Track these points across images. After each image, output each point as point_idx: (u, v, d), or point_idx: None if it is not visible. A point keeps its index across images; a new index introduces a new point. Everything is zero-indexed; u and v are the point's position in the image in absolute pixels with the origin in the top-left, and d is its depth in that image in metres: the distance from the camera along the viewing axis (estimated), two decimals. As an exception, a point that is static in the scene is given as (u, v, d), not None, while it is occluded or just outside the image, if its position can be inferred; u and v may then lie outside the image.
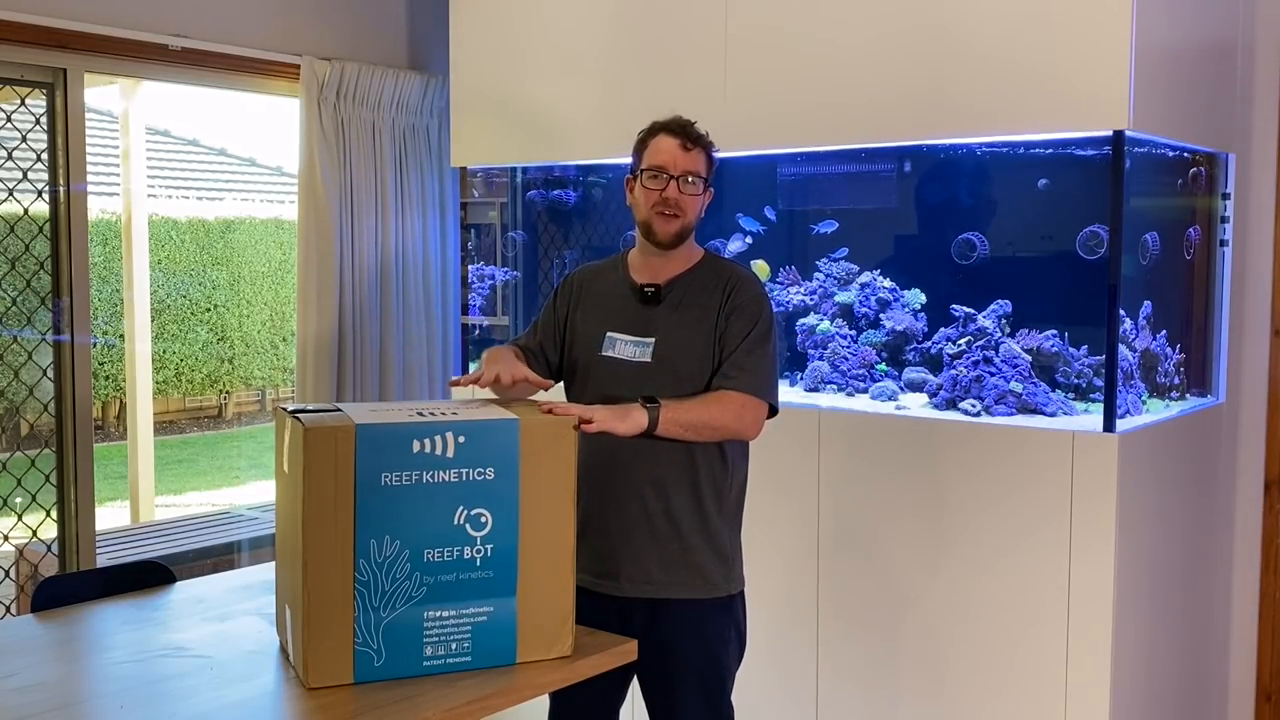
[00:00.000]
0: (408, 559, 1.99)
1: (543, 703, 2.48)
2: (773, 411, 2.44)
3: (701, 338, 2.42)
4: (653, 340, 2.44)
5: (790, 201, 3.68)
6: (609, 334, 2.49)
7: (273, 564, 2.27)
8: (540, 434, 2.09)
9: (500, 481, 2.04)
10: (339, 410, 2.05)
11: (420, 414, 2.05)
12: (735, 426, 2.37)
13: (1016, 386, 3.05)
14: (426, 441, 1.99)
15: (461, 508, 2.02)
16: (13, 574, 3.91)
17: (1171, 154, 3.21)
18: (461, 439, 2.01)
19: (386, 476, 1.97)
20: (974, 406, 3.06)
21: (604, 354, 2.48)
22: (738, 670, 2.57)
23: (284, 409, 2.09)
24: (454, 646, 2.04)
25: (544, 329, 2.61)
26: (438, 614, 2.03)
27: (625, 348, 2.46)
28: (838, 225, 3.54)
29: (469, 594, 2.04)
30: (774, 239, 3.70)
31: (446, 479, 2.00)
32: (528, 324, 2.72)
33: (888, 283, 3.46)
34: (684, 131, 2.45)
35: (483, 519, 2.04)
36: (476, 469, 2.03)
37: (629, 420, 2.25)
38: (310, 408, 2.08)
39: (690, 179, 2.42)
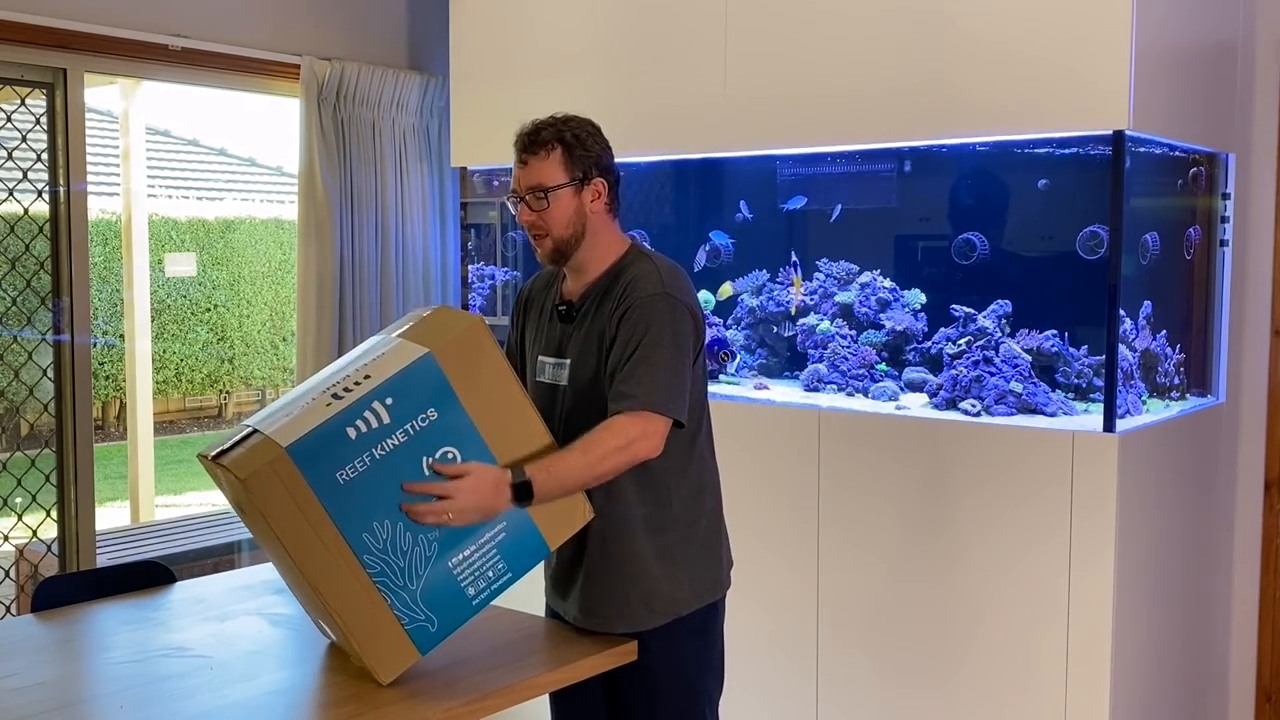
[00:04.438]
0: (404, 529, 1.96)
1: (542, 703, 2.48)
2: (679, 424, 2.18)
3: (597, 354, 2.24)
4: (568, 361, 2.29)
5: (790, 201, 3.68)
6: (539, 357, 2.37)
7: (272, 564, 2.26)
8: (458, 351, 1.99)
9: (446, 415, 1.97)
10: (255, 432, 1.97)
11: (335, 395, 1.95)
12: (625, 459, 2.11)
13: (1016, 386, 3.05)
14: (359, 423, 1.92)
15: (425, 458, 1.97)
16: (13, 574, 3.91)
17: (1171, 154, 3.21)
18: (389, 401, 1.93)
19: (341, 474, 1.91)
20: (974, 406, 3.06)
21: (537, 379, 2.36)
22: (715, 689, 2.42)
23: (207, 457, 2.01)
24: (491, 573, 2.03)
25: (509, 353, 2.49)
26: (461, 556, 2.00)
27: (549, 370, 2.33)
28: (806, 200, 3.52)
29: (477, 524, 2.01)
30: (772, 238, 3.70)
31: (396, 443, 1.94)
32: None
33: (888, 283, 3.46)
34: (518, 144, 2.28)
35: (449, 455, 1.98)
36: (418, 418, 1.95)
37: (494, 507, 2.02)
38: (227, 444, 1.99)
39: (537, 195, 2.24)
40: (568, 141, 2.25)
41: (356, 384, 1.96)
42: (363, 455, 1.92)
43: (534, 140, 2.26)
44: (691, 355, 2.26)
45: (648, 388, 2.14)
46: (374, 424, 1.92)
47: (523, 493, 2.03)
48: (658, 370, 2.16)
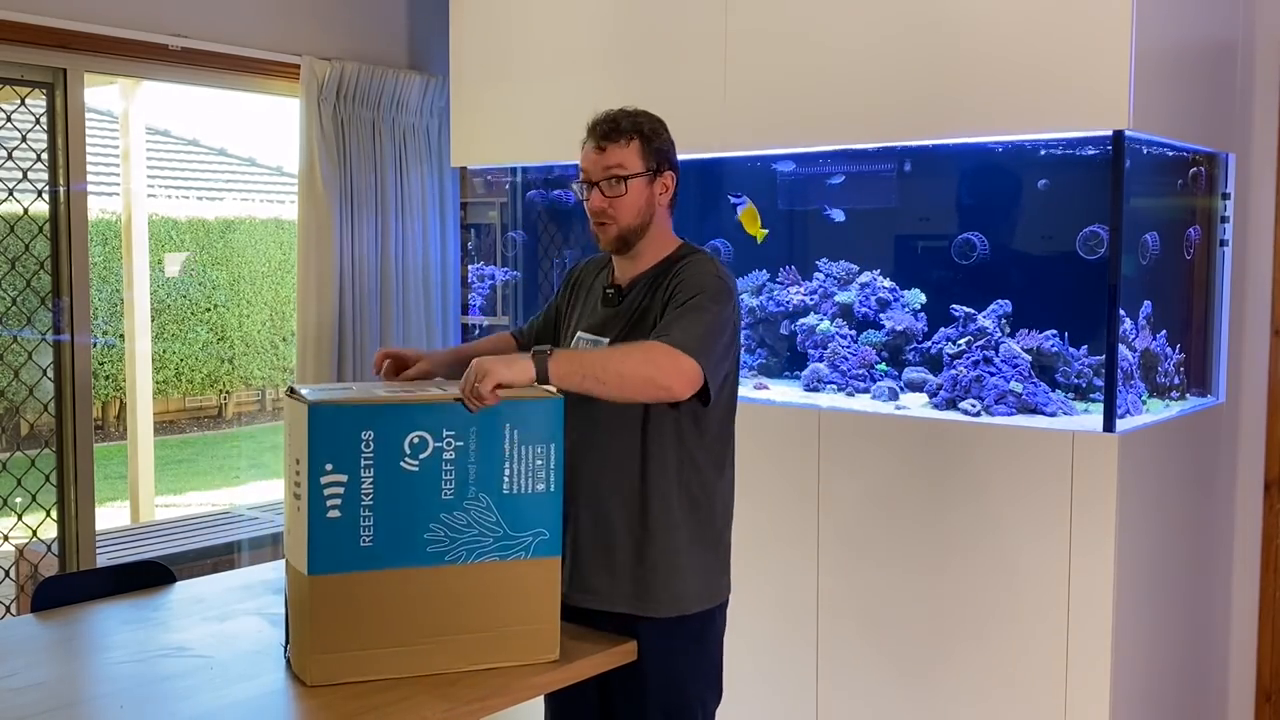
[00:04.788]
0: (446, 514, 2.00)
1: (540, 703, 2.48)
2: (705, 394, 2.18)
3: (643, 335, 2.27)
4: (605, 341, 2.34)
5: (790, 201, 3.68)
6: (579, 333, 2.42)
7: (272, 564, 2.27)
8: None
9: (379, 422, 1.95)
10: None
11: (295, 495, 1.98)
12: (649, 373, 2.09)
13: (1016, 386, 3.05)
14: (329, 501, 1.94)
15: (402, 461, 1.97)
16: (13, 574, 3.91)
17: (1171, 154, 3.21)
18: (329, 466, 1.93)
19: (363, 540, 1.95)
20: (974, 406, 3.06)
21: None
22: (711, 699, 2.42)
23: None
24: (539, 461, 2.07)
25: (545, 317, 2.58)
26: (506, 477, 2.04)
27: (584, 346, 2.38)
28: (844, 214, 3.53)
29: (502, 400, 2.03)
30: (773, 237, 3.70)
31: (370, 479, 1.96)
32: (527, 324, 2.69)
33: (888, 283, 3.46)
34: (597, 131, 2.33)
35: (416, 440, 1.99)
36: (362, 449, 1.95)
37: (514, 368, 2.01)
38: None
39: (613, 180, 2.29)
40: (646, 133, 2.33)
41: (298, 472, 1.97)
42: (361, 514, 1.95)
43: (615, 128, 2.32)
44: (733, 331, 2.28)
45: (687, 333, 2.14)
46: (339, 490, 1.94)
47: (541, 360, 2.04)
48: (698, 323, 2.17)
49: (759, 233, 3.56)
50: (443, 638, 2.03)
